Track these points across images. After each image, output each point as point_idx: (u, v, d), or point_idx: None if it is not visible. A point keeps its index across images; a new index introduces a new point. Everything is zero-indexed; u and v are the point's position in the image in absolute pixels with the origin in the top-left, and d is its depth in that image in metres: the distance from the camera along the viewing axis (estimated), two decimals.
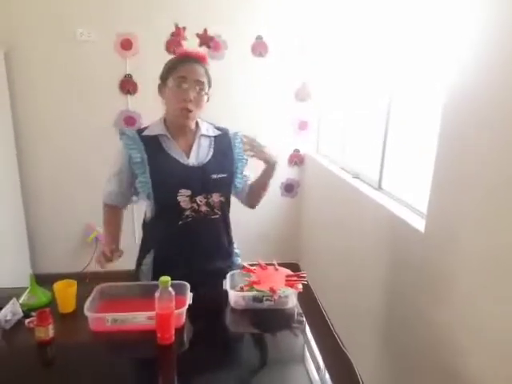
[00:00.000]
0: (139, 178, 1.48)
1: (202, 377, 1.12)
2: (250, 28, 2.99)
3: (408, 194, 1.89)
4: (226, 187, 1.55)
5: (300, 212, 3.42)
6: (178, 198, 1.46)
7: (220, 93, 3.04)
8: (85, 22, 2.83)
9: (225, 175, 1.52)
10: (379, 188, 2.15)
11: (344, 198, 2.46)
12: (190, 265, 1.50)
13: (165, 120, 1.54)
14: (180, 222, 1.48)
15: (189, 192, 1.47)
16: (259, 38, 3.01)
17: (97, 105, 2.99)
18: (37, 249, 3.15)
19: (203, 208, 1.50)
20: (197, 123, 1.56)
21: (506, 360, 1.15)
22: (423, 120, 1.81)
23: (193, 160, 1.51)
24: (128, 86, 2.96)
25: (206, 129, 1.58)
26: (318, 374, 1.14)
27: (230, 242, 1.66)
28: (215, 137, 1.58)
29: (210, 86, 1.50)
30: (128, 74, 2.95)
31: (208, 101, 1.52)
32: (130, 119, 3.02)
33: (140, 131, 1.52)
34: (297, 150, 3.31)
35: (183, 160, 1.50)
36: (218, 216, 1.54)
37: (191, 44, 2.87)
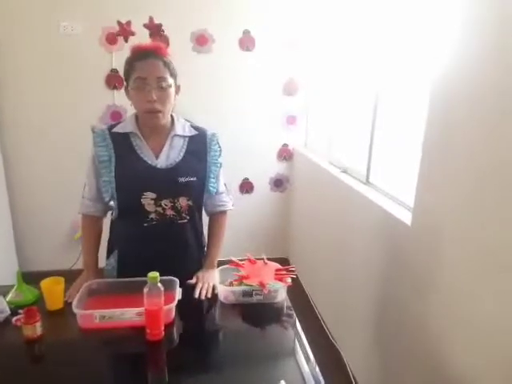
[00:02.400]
0: (103, 178, 1.42)
1: (192, 372, 1.12)
2: (237, 22, 2.97)
3: (395, 188, 1.90)
4: (194, 191, 1.46)
5: (289, 207, 3.43)
6: (141, 200, 1.39)
7: (207, 87, 3.07)
8: (69, 15, 2.77)
9: (193, 179, 1.43)
10: (367, 182, 2.17)
11: (332, 192, 2.47)
12: (154, 268, 1.26)
13: (137, 117, 1.45)
14: (145, 225, 1.42)
15: (154, 195, 1.40)
16: (246, 32, 2.99)
17: (83, 100, 2.94)
18: (23, 247, 3.10)
19: (169, 212, 1.42)
20: (173, 121, 1.47)
21: (490, 348, 1.18)
22: (410, 114, 1.82)
23: (162, 161, 1.42)
24: (114, 80, 2.92)
25: (182, 127, 1.48)
26: (308, 367, 1.14)
27: (201, 247, 1.60)
28: (190, 137, 1.47)
29: (175, 77, 1.39)
30: (114, 69, 2.91)
31: (178, 93, 1.43)
32: (116, 114, 2.97)
33: (111, 127, 1.45)
34: (285, 145, 3.30)
35: (151, 161, 1.41)
36: (185, 221, 1.46)
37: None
